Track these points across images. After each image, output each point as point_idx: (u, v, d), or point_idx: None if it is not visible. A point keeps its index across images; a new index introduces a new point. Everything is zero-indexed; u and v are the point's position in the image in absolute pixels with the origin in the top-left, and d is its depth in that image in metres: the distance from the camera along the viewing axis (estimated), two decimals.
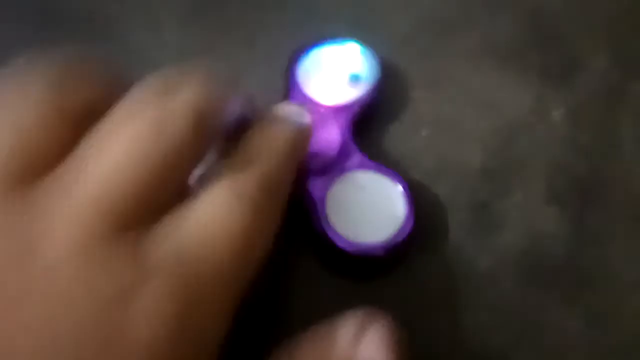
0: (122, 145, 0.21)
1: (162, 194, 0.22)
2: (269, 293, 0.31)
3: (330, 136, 0.33)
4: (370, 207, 0.32)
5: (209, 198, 0.23)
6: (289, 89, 0.34)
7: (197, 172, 0.24)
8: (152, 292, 0.20)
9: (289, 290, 0.32)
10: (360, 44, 0.35)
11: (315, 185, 0.32)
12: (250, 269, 0.23)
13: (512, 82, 0.37)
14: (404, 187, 0.32)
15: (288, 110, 0.29)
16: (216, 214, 0.22)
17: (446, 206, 0.34)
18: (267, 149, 0.26)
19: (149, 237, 0.21)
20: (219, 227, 0.22)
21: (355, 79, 0.34)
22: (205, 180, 0.24)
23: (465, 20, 0.39)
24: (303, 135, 0.29)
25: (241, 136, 0.27)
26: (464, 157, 0.35)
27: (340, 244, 0.31)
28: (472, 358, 0.31)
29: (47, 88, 0.22)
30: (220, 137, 0.25)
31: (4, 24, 0.37)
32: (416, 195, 0.33)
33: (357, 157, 0.33)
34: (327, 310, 0.25)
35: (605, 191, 0.34)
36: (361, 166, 0.33)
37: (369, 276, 0.32)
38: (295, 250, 0.32)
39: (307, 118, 0.30)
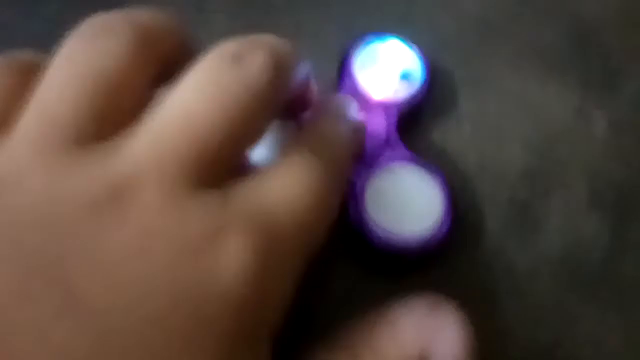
0: (206, 95, 0.22)
1: (241, 150, 0.23)
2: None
3: (377, 129, 0.33)
4: (410, 201, 0.32)
5: (286, 165, 0.23)
6: (341, 80, 0.34)
7: (257, 150, 0.24)
8: (235, 241, 0.20)
9: (322, 287, 0.32)
10: (411, 42, 0.35)
11: (357, 175, 0.32)
12: (319, 238, 0.24)
13: (555, 87, 0.37)
14: (444, 183, 0.32)
15: (349, 104, 0.30)
16: (295, 178, 0.23)
17: (486, 204, 0.34)
18: (336, 137, 0.26)
19: (231, 192, 0.22)
20: (298, 190, 0.22)
21: (406, 76, 0.35)
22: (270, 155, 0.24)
23: (508, 24, 0.39)
24: (362, 131, 0.30)
25: (297, 112, 0.27)
26: (506, 157, 0.35)
27: (376, 236, 0.31)
28: (507, 357, 0.31)
29: (133, 38, 0.22)
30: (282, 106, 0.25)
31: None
32: (457, 192, 0.32)
33: (400, 150, 0.33)
34: (360, 308, 0.25)
35: None
36: (403, 160, 0.33)
37: (404, 273, 0.32)
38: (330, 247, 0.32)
39: (359, 115, 0.30)
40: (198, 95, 0.22)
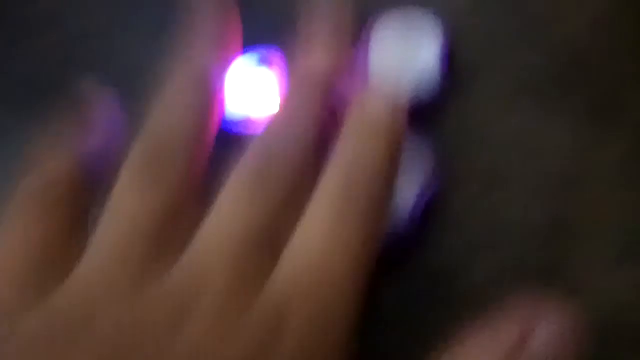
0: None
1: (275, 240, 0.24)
2: None
3: None
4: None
5: (315, 224, 0.24)
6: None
7: None
8: (286, 346, 0.22)
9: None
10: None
11: None
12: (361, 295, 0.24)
13: (555, 121, 0.33)
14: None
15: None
16: (325, 246, 0.24)
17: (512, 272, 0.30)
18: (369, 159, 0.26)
19: (268, 290, 0.23)
20: (329, 258, 0.24)
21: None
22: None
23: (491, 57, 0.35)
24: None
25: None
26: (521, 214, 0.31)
27: None
28: None
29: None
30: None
31: None
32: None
33: None
34: None
35: None
36: None
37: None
38: None
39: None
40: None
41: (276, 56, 0.31)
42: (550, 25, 0.35)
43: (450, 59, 0.33)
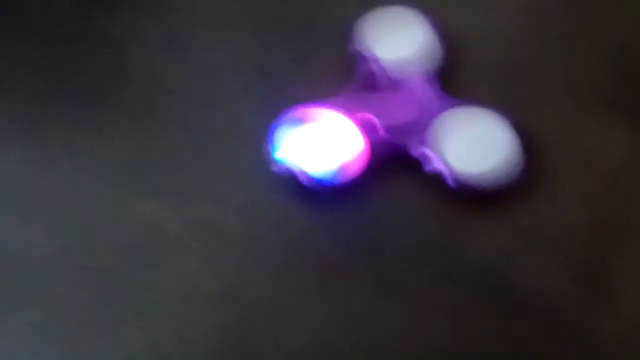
0: None
1: None
2: None
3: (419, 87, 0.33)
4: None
5: None
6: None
7: None
8: None
9: None
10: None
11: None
12: None
13: (600, 124, 0.34)
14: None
15: None
16: None
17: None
18: None
19: None
20: None
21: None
22: None
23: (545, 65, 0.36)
24: None
25: None
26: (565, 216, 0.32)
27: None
28: None
29: None
30: None
31: None
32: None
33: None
34: None
35: None
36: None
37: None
38: None
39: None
40: None
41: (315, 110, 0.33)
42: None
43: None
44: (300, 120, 0.33)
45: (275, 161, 0.33)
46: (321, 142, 0.33)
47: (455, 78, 0.36)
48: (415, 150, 0.33)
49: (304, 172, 0.32)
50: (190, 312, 0.31)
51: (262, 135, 0.34)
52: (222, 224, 0.33)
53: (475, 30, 0.37)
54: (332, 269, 0.32)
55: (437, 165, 0.32)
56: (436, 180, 0.32)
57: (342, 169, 0.32)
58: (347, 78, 0.35)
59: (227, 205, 0.33)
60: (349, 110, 0.33)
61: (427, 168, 0.32)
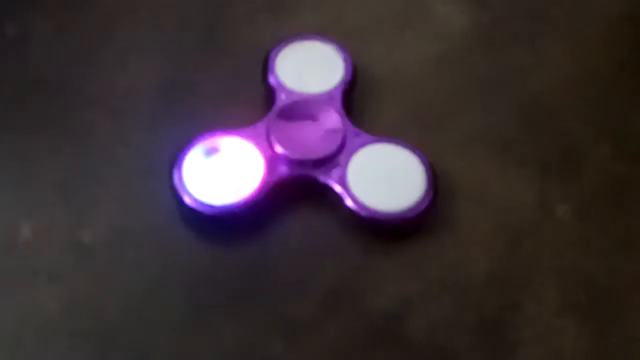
0: None
1: None
2: None
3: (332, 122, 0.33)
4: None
5: None
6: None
7: None
8: None
9: None
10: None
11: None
12: None
13: (511, 175, 0.34)
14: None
15: None
16: None
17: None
18: None
19: None
20: None
21: None
22: None
23: (456, 109, 0.36)
24: None
25: None
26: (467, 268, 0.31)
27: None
28: None
29: None
30: None
31: None
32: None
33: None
34: None
35: (628, 297, 0.31)
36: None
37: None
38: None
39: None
40: None
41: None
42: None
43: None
44: (207, 150, 0.32)
45: (178, 190, 0.31)
46: (226, 173, 0.32)
47: (369, 114, 0.35)
48: (326, 185, 0.32)
49: (207, 203, 0.31)
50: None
51: (166, 163, 0.32)
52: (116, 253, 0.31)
53: (389, 69, 0.37)
54: (219, 306, 0.30)
55: (346, 200, 0.31)
56: (345, 217, 0.32)
57: (245, 200, 0.31)
58: (261, 108, 0.34)
59: (124, 234, 0.32)
60: (257, 141, 0.32)
61: (335, 203, 0.32)
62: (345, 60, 0.35)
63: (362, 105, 0.36)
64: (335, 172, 0.32)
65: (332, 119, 0.33)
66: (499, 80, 0.37)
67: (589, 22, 0.39)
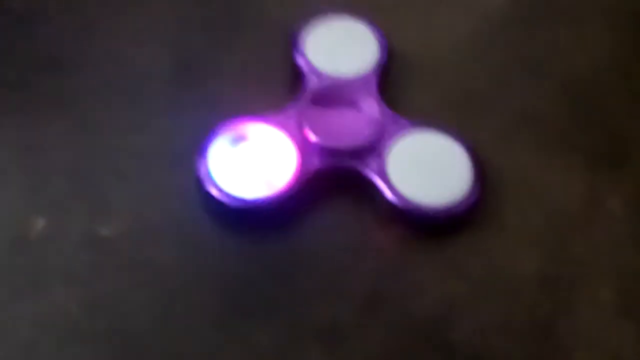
0: None
1: None
2: None
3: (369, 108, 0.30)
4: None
5: None
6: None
7: None
8: None
9: None
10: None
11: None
12: None
13: (557, 165, 0.32)
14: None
15: None
16: None
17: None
18: None
19: None
20: None
21: None
22: None
23: (497, 93, 0.33)
24: None
25: None
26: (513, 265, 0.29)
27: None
28: None
29: None
30: None
31: None
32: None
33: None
34: None
35: None
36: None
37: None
38: None
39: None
40: None
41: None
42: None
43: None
44: (234, 138, 0.30)
45: (204, 182, 0.29)
46: (256, 163, 0.29)
47: (404, 98, 0.33)
48: (364, 176, 0.29)
49: (237, 197, 0.29)
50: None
51: (190, 152, 0.30)
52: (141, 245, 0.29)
53: (423, 48, 0.34)
54: (251, 308, 0.28)
55: (386, 193, 0.29)
56: (384, 211, 0.29)
57: (276, 193, 0.29)
58: (289, 91, 0.32)
59: (146, 229, 0.29)
60: (288, 129, 0.30)
61: (374, 196, 0.29)
62: (380, 40, 0.33)
63: (396, 88, 0.33)
64: (374, 163, 0.29)
65: (370, 104, 0.30)
66: (541, 60, 0.35)
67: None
